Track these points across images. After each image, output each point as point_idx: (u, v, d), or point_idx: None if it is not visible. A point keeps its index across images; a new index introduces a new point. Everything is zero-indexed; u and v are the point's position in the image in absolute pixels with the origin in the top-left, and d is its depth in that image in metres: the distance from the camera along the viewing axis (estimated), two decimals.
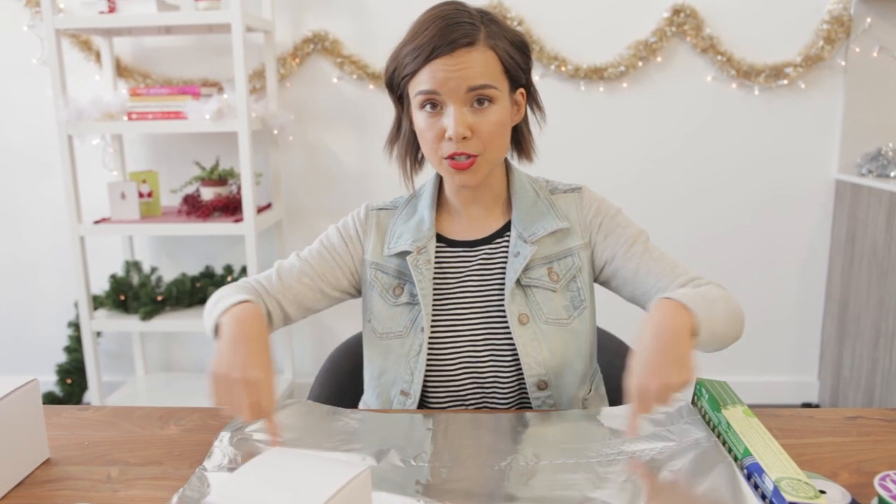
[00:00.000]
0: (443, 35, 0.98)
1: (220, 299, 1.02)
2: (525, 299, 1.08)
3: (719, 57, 2.52)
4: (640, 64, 2.55)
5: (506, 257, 1.11)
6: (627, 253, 1.10)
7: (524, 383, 1.08)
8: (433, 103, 1.01)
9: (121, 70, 2.65)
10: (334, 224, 1.18)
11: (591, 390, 1.14)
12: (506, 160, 1.16)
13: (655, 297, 1.04)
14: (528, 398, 1.09)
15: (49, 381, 2.77)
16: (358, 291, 1.17)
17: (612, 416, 0.99)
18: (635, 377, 0.85)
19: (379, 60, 2.59)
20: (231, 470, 0.85)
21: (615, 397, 1.26)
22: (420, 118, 1.04)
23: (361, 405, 1.21)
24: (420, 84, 1.01)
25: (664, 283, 1.07)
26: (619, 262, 1.10)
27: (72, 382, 2.70)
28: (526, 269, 1.08)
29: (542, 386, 1.07)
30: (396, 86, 1.07)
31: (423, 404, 1.11)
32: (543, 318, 1.08)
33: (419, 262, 1.09)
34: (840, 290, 2.59)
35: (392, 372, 1.11)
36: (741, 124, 2.60)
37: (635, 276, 1.09)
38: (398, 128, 1.13)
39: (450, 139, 1.01)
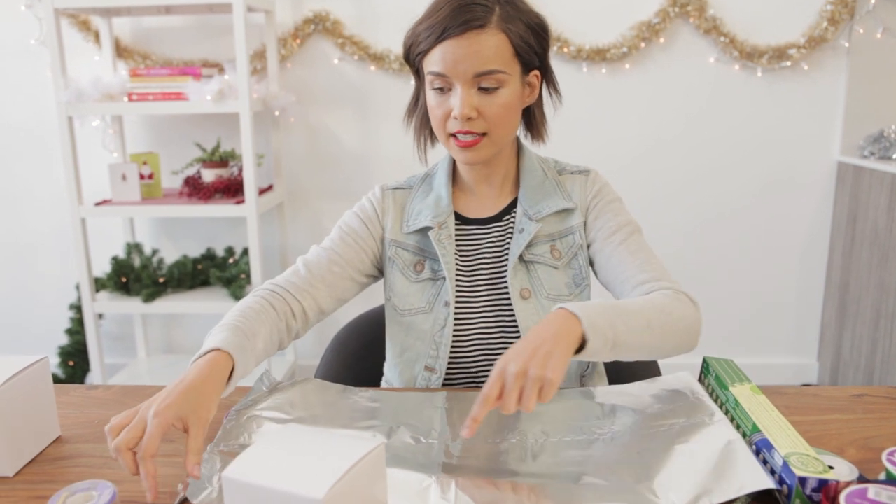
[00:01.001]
0: (455, 16, 0.99)
1: (209, 336, 0.95)
2: (527, 275, 1.10)
3: (722, 38, 2.50)
4: (643, 45, 2.53)
5: (512, 234, 1.12)
6: (608, 239, 1.10)
7: None
8: (442, 82, 1.02)
9: (120, 51, 2.63)
10: (350, 209, 1.18)
11: (589, 367, 1.16)
12: (518, 140, 1.17)
13: (618, 289, 1.08)
14: None
15: (51, 363, 2.77)
16: (381, 272, 1.18)
17: (616, 393, 1.00)
18: (498, 363, 0.82)
19: (380, 42, 2.57)
20: (242, 447, 0.85)
21: (614, 373, 1.27)
22: (430, 96, 1.05)
23: (384, 384, 1.22)
24: (431, 64, 1.02)
25: (626, 276, 1.07)
26: (598, 245, 1.11)
27: (74, 365, 2.71)
28: (529, 245, 1.10)
29: None
30: (413, 60, 1.08)
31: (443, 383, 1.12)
32: (545, 294, 1.10)
33: (441, 236, 1.10)
34: (841, 272, 2.60)
35: (415, 348, 1.12)
36: (744, 106, 2.59)
37: (608, 262, 1.10)
38: (416, 99, 1.15)
39: (456, 118, 1.02)
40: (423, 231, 1.12)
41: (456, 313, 1.10)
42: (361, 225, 1.15)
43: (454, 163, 1.17)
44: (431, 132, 1.15)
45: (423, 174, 1.19)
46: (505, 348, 1.10)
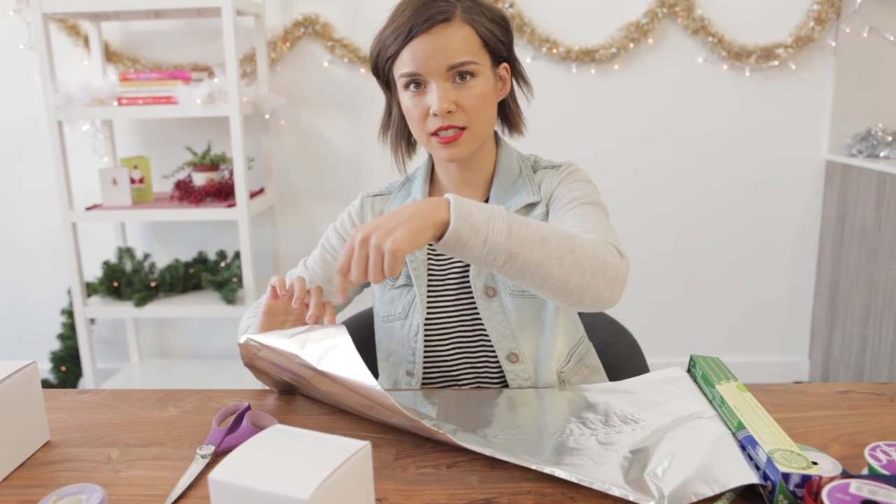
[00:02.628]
0: (419, 14, 0.99)
1: (247, 327, 1.09)
2: (490, 272, 1.08)
3: (710, 38, 2.52)
4: (632, 46, 2.55)
5: None
6: (563, 208, 1.05)
7: (499, 360, 1.09)
8: (417, 82, 1.02)
9: (109, 55, 2.63)
10: (333, 223, 1.20)
11: (569, 362, 1.13)
12: (497, 137, 1.16)
13: None
14: (503, 373, 1.10)
15: (43, 368, 2.77)
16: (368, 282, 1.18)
17: (607, 389, 1.00)
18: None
19: (370, 44, 2.57)
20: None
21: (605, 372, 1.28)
22: (405, 98, 1.05)
23: None
24: (402, 66, 1.02)
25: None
26: (552, 215, 1.07)
27: (66, 370, 2.70)
28: None
29: (514, 359, 1.08)
30: (382, 70, 1.08)
31: (423, 385, 1.13)
32: (509, 291, 1.08)
33: None
34: (830, 271, 2.61)
35: (397, 353, 1.14)
36: (732, 105, 2.61)
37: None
38: (389, 114, 1.15)
39: (435, 115, 1.02)
40: None
41: (429, 317, 1.10)
42: (340, 241, 1.17)
43: (433, 167, 1.17)
44: (408, 144, 1.15)
45: (403, 179, 1.19)
46: (485, 350, 1.10)
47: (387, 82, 1.10)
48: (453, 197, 0.85)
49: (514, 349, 1.08)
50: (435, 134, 1.03)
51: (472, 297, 1.10)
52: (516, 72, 1.12)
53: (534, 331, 1.09)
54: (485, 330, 1.10)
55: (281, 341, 0.90)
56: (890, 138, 2.46)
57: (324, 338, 0.88)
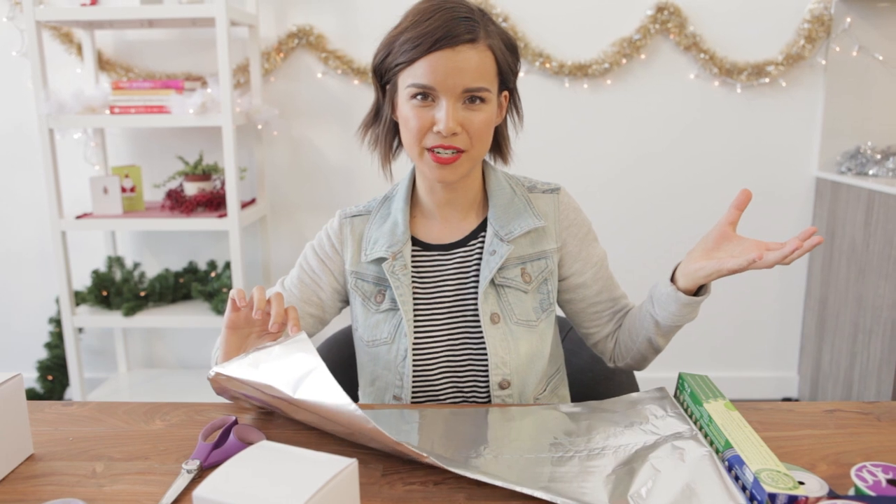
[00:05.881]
0: (446, 27, 0.96)
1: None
2: (497, 299, 1.08)
3: (702, 55, 2.54)
4: (624, 61, 2.56)
5: (481, 257, 1.10)
6: (596, 275, 1.14)
7: (489, 385, 1.09)
8: (425, 94, 0.99)
9: (102, 63, 2.63)
10: (310, 242, 1.17)
11: (545, 390, 1.15)
12: (484, 161, 1.15)
13: (595, 309, 1.16)
14: (490, 397, 1.10)
15: (30, 377, 2.75)
16: (347, 302, 1.17)
17: (591, 408, 1.00)
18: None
19: (364, 56, 2.58)
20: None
21: (593, 388, 1.29)
22: (408, 107, 1.01)
23: None
24: (416, 75, 0.99)
25: (613, 299, 1.17)
26: (586, 279, 1.14)
27: (53, 379, 2.68)
28: (500, 268, 1.08)
29: (505, 385, 1.08)
30: (385, 72, 1.05)
31: None
32: (514, 319, 1.08)
33: (395, 268, 1.08)
34: (820, 287, 2.62)
35: (383, 378, 1.11)
36: (723, 122, 2.62)
37: (597, 296, 1.15)
38: (376, 114, 1.11)
39: (438, 132, 0.99)
40: (380, 261, 1.09)
41: (417, 342, 1.08)
42: (319, 263, 1.14)
43: (413, 187, 1.14)
44: (390, 148, 1.12)
45: (381, 197, 1.15)
46: (473, 374, 1.09)
47: (385, 83, 1.07)
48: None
49: (508, 375, 1.08)
50: (431, 150, 1.01)
51: (464, 321, 1.09)
52: (514, 101, 1.12)
53: (528, 358, 1.09)
54: (473, 354, 1.09)
55: (250, 372, 0.87)
56: (879, 156, 2.48)
57: (296, 365, 0.85)
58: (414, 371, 1.09)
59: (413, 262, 1.11)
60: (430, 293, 1.10)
